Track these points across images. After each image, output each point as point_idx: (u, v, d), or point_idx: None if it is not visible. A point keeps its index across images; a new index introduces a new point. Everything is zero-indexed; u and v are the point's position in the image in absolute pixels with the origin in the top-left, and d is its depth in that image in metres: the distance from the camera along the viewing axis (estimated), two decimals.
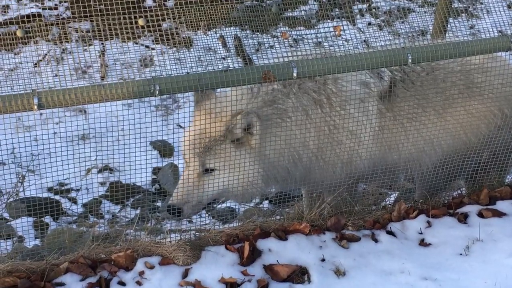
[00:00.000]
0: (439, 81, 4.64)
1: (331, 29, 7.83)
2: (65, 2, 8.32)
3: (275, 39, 8.33)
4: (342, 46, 7.34)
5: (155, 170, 6.88)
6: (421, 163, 4.74)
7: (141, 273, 4.08)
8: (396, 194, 5.62)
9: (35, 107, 3.71)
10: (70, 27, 7.89)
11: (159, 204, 6.48)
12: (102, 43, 7.81)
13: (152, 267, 4.12)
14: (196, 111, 4.46)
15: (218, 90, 4.54)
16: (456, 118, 4.63)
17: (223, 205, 5.93)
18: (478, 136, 4.72)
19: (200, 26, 8.02)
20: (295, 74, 4.04)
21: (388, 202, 5.20)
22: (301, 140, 4.44)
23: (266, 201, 6.23)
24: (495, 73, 4.62)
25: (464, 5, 8.62)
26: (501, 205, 4.69)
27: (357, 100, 4.47)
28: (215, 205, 5.74)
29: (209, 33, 8.04)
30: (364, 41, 8.00)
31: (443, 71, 4.66)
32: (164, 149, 7.10)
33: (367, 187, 5.41)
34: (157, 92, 3.89)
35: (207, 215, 5.75)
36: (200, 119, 4.31)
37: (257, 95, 4.44)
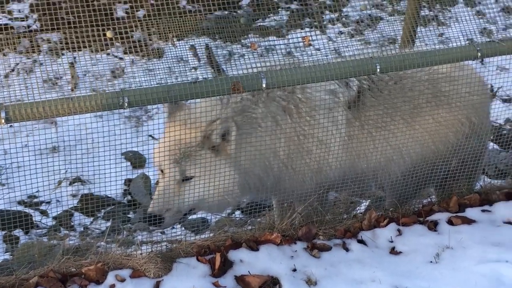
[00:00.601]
0: (407, 89, 4.67)
1: (300, 39, 7.86)
2: (34, 13, 8.26)
3: (245, 49, 8.34)
4: (313, 56, 7.38)
5: (127, 182, 6.85)
6: (390, 172, 4.76)
7: (112, 286, 4.05)
8: (367, 202, 5.64)
9: (3, 121, 3.68)
10: (40, 38, 7.84)
11: (131, 215, 6.46)
12: (72, 55, 7.77)
13: (123, 280, 4.10)
14: (169, 121, 4.46)
15: (189, 101, 4.55)
16: (424, 126, 4.66)
17: (196, 216, 5.92)
18: (446, 145, 4.76)
19: (173, 36, 8.01)
20: (264, 85, 4.06)
21: (359, 211, 5.23)
22: (271, 148, 4.45)
23: (238, 211, 6.23)
24: (462, 82, 4.66)
25: (433, 14, 8.69)
26: (470, 212, 4.73)
27: (325, 109, 4.49)
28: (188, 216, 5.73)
29: (178, 43, 8.03)
30: (335, 50, 8.04)
31: (410, 80, 4.69)
32: (136, 160, 7.07)
33: (338, 195, 5.43)
34: (126, 105, 3.88)
35: (179, 225, 5.73)
36: (174, 129, 4.31)
37: (227, 105, 4.46)
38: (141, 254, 4.27)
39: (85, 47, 7.47)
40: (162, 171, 4.43)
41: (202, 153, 4.33)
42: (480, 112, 4.84)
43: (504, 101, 7.49)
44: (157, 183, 6.89)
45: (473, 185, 5.16)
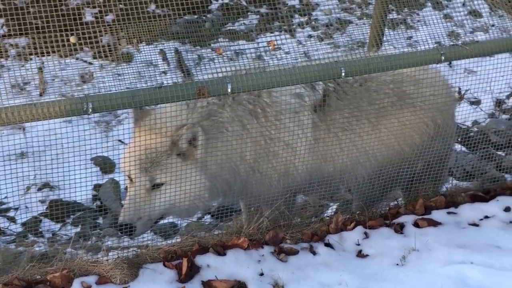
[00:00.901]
0: (372, 91, 4.70)
1: (266, 43, 7.88)
2: (1, 18, 8.20)
3: (215, 53, 8.34)
4: (282, 59, 7.40)
5: (96, 187, 6.81)
6: (357, 174, 4.79)
7: None
8: (336, 205, 5.66)
9: None
10: (7, 43, 7.78)
11: (100, 221, 6.42)
12: (41, 60, 7.71)
13: (88, 287, 4.07)
14: (136, 127, 4.44)
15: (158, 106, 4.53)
16: (390, 128, 4.69)
17: (165, 220, 5.90)
18: (412, 146, 4.80)
19: (137, 41, 7.99)
20: (229, 90, 4.06)
21: (326, 214, 5.24)
22: (238, 152, 4.46)
23: (208, 216, 6.22)
24: (427, 84, 4.70)
25: (402, 17, 8.75)
26: (436, 215, 4.77)
27: (291, 112, 4.51)
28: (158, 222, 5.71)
29: (148, 48, 8.01)
30: (304, 53, 8.06)
31: (375, 82, 4.72)
32: (105, 165, 7.03)
33: (308, 199, 5.44)
34: (90, 110, 3.86)
35: (149, 231, 5.71)
36: (142, 135, 4.29)
37: (193, 110, 4.45)
38: (107, 260, 4.24)
39: (53, 52, 7.42)
40: (130, 178, 4.41)
41: (170, 159, 4.32)
42: (445, 114, 4.88)
43: (472, 103, 7.55)
44: (126, 189, 6.89)
45: (439, 187, 5.20)
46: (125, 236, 4.54)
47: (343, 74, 4.25)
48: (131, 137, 4.50)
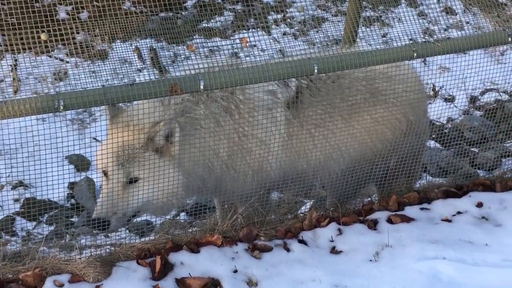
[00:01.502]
0: (345, 88, 4.72)
1: (238, 41, 7.88)
2: None
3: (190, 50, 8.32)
4: (258, 57, 7.39)
5: (71, 185, 6.77)
6: (330, 170, 4.80)
7: None
8: (312, 202, 5.67)
9: None
10: None
11: (74, 219, 6.38)
12: (14, 57, 7.65)
13: (61, 285, 4.05)
14: (111, 124, 4.43)
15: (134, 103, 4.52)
16: (362, 124, 4.71)
17: (140, 218, 5.88)
18: (384, 142, 4.82)
19: (109, 39, 7.95)
20: (202, 87, 4.06)
21: (301, 211, 5.25)
22: (213, 149, 4.46)
23: (183, 213, 6.21)
24: (399, 80, 4.72)
25: (377, 14, 8.78)
26: (409, 211, 4.79)
27: (264, 109, 4.51)
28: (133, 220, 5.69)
29: (117, 45, 7.96)
30: (280, 50, 8.07)
31: (348, 78, 4.74)
32: (80, 163, 6.99)
33: (283, 195, 5.45)
34: (62, 108, 3.84)
35: (123, 229, 5.68)
36: (117, 131, 4.28)
37: (168, 106, 4.45)
38: (80, 258, 4.23)
39: (28, 49, 7.36)
40: (105, 174, 4.39)
41: (146, 155, 4.32)
42: (417, 110, 4.91)
43: (446, 100, 7.60)
44: (101, 186, 6.86)
45: (413, 183, 5.23)
46: (99, 232, 4.52)
47: (315, 70, 4.25)
48: (106, 134, 4.48)
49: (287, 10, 8.85)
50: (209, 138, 4.44)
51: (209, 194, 4.75)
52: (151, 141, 4.32)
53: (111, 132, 4.35)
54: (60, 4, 8.32)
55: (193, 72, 4.11)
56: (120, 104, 4.41)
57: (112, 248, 4.44)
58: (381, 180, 4.99)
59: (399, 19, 8.52)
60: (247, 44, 7.67)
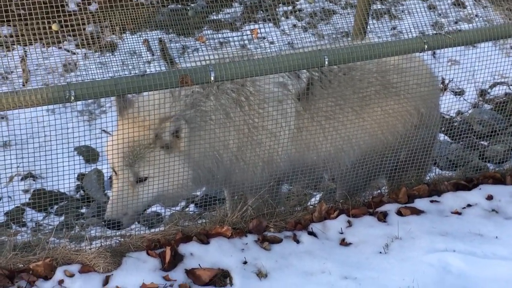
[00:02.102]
0: (356, 80, 4.71)
1: (249, 32, 7.87)
2: None
3: (200, 42, 8.31)
4: (267, 49, 7.38)
5: (80, 176, 6.78)
6: (340, 163, 4.79)
7: (61, 282, 4.02)
8: (321, 194, 5.67)
9: None
10: None
11: (83, 210, 6.40)
12: (24, 49, 7.66)
13: (72, 275, 4.07)
14: (120, 119, 4.43)
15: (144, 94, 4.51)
16: (373, 117, 4.70)
17: (149, 210, 5.89)
18: (395, 135, 4.81)
19: (120, 30, 7.95)
20: (212, 78, 4.05)
21: (310, 203, 5.25)
22: (222, 141, 4.46)
23: (192, 205, 6.22)
24: (411, 73, 4.71)
25: (386, 7, 8.76)
26: (419, 203, 4.78)
27: (275, 101, 4.51)
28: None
29: (126, 37, 7.96)
30: (289, 43, 8.06)
31: (360, 71, 4.73)
32: (89, 154, 7.00)
33: (292, 188, 5.44)
34: (73, 98, 3.85)
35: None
36: (125, 127, 4.28)
37: (178, 98, 4.44)
38: (90, 249, 4.24)
39: (38, 40, 7.38)
40: (115, 171, 4.41)
41: (154, 152, 4.31)
42: (428, 103, 4.89)
43: (455, 93, 7.58)
44: (110, 178, 6.87)
45: (424, 176, 5.22)
46: (112, 230, 4.54)
47: (326, 62, 4.25)
48: (116, 127, 4.48)
49: (296, 2, 8.84)
50: (219, 131, 4.44)
51: (219, 186, 4.75)
52: (158, 138, 4.32)
53: (119, 127, 4.35)
54: None
55: (204, 63, 4.12)
56: (129, 95, 4.41)
57: (122, 239, 4.45)
58: (391, 172, 4.98)
59: (409, 11, 8.50)
60: (258, 36, 7.65)
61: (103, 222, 4.49)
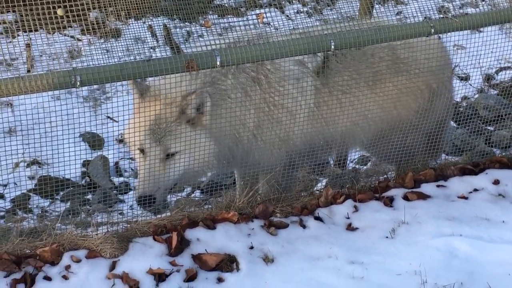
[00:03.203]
0: (368, 55, 4.72)
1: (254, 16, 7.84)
2: None
3: (204, 28, 8.29)
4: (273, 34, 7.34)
5: (85, 163, 6.79)
6: (356, 138, 4.81)
7: (68, 267, 4.03)
8: (327, 179, 5.67)
9: None
10: None
11: (89, 197, 6.41)
12: (28, 35, 7.65)
13: (78, 261, 4.07)
14: (140, 102, 4.44)
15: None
16: (386, 92, 4.71)
17: None
18: (409, 111, 4.81)
19: (126, 15, 7.93)
20: (218, 63, 4.06)
21: (316, 188, 5.24)
22: (241, 119, 4.48)
23: (198, 191, 6.23)
24: (420, 48, 4.69)
25: None
26: (425, 188, 4.77)
27: (294, 78, 4.53)
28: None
29: (131, 23, 7.94)
30: (294, 28, 8.01)
31: (371, 46, 4.72)
32: (94, 141, 7.01)
33: (297, 173, 5.44)
34: (78, 83, 3.84)
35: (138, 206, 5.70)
36: (149, 107, 4.30)
37: (196, 77, 4.45)
38: (97, 234, 4.24)
39: (42, 26, 7.36)
40: (141, 151, 4.43)
41: (181, 127, 4.36)
42: (440, 77, 4.88)
43: (461, 79, 7.55)
44: (116, 164, 6.87)
45: (437, 158, 5.21)
46: (146, 209, 4.61)
47: (332, 46, 4.25)
48: (134, 111, 4.48)
49: None
50: (237, 109, 4.45)
51: (236, 166, 4.76)
52: (183, 113, 4.36)
53: (143, 108, 4.35)
54: None
55: (213, 47, 4.12)
56: (138, 80, 4.41)
57: (128, 224, 4.46)
58: (403, 155, 4.97)
59: None
60: (263, 20, 7.62)
61: (135, 201, 4.51)
